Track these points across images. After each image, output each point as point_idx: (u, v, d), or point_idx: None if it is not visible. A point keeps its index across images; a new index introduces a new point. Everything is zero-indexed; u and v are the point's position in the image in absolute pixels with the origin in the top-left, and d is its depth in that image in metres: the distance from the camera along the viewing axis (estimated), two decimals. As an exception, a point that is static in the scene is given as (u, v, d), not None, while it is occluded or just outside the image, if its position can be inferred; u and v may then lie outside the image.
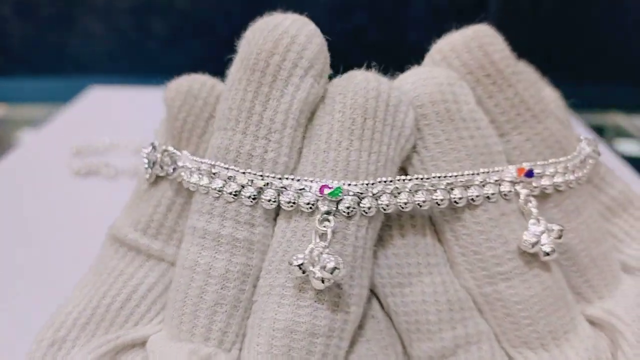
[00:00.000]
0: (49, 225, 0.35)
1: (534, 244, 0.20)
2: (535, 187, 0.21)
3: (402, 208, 0.19)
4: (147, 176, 0.23)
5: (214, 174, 0.20)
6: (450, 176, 0.20)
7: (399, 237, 0.20)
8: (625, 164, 0.41)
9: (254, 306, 0.20)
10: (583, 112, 0.51)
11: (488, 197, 0.20)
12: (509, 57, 0.21)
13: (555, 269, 0.21)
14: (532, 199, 0.20)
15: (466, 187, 0.20)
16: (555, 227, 0.20)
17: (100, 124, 0.51)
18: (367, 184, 0.19)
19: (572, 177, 0.22)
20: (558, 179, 0.21)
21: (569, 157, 0.22)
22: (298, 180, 0.19)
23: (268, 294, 0.19)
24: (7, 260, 0.31)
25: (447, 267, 0.21)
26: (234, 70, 0.21)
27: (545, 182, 0.21)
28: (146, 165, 0.22)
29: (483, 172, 0.20)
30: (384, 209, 0.19)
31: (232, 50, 0.21)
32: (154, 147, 0.22)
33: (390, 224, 0.20)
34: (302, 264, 0.18)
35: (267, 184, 0.19)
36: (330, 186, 0.19)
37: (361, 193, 0.19)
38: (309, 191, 0.19)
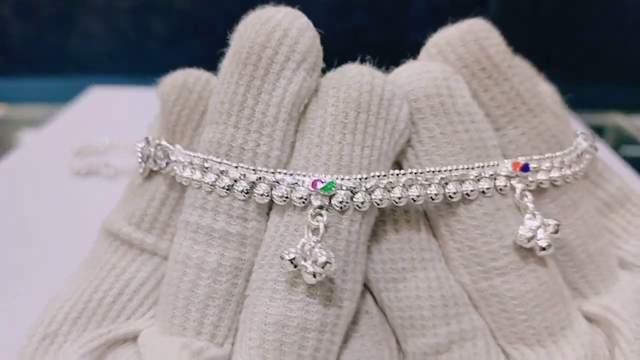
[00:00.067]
0: (49, 225, 0.35)
1: (529, 239, 0.19)
2: (531, 182, 0.21)
3: (396, 203, 0.19)
4: (141, 170, 0.22)
5: (206, 168, 0.20)
6: (445, 170, 0.19)
7: (393, 232, 0.20)
8: (626, 165, 0.41)
9: (246, 300, 0.20)
10: (583, 112, 0.51)
11: (483, 192, 0.20)
12: (504, 51, 0.21)
13: (552, 264, 0.21)
14: (528, 193, 0.20)
15: (461, 181, 0.20)
16: (552, 222, 0.20)
17: (100, 124, 0.51)
18: (360, 179, 0.19)
19: (568, 172, 0.21)
20: (554, 174, 0.21)
21: (565, 152, 0.22)
22: (291, 174, 0.19)
23: (260, 288, 0.19)
24: (7, 260, 0.31)
25: (441, 263, 0.20)
26: (226, 64, 0.21)
27: (541, 176, 0.21)
28: (140, 160, 0.22)
29: (478, 167, 0.20)
30: (378, 204, 0.19)
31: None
32: (147, 142, 0.22)
33: (384, 219, 0.20)
34: (293, 259, 0.18)
35: (260, 178, 0.19)
36: (322, 180, 0.19)
37: (354, 187, 0.19)
38: (302, 185, 0.19)
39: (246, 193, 0.19)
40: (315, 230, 0.19)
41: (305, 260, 0.18)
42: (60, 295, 0.21)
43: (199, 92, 0.22)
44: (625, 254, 0.23)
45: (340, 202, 0.19)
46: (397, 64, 0.22)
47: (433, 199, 0.19)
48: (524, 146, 0.21)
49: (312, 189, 0.19)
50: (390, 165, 0.20)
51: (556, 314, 0.20)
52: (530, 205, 0.20)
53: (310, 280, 0.18)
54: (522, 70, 0.22)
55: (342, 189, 0.19)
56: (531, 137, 0.21)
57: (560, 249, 0.21)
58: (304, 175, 0.19)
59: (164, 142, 0.22)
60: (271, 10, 0.20)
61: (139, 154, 0.22)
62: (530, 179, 0.21)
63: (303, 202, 0.19)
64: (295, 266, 0.18)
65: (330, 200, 0.19)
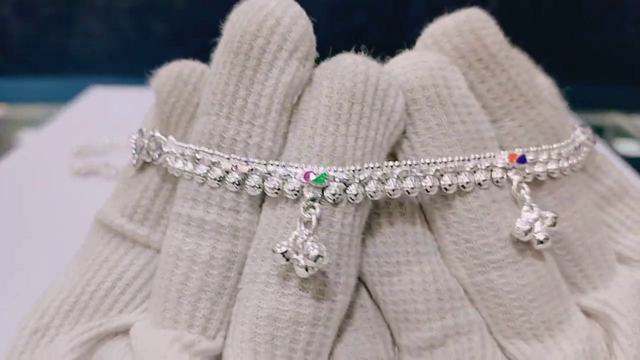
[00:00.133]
0: (49, 225, 0.35)
1: (527, 232, 0.19)
2: (528, 174, 0.20)
3: (390, 195, 0.19)
4: (134, 162, 0.22)
5: (198, 159, 0.19)
6: (440, 162, 0.19)
7: (388, 225, 0.20)
8: (626, 165, 0.41)
9: (238, 294, 0.20)
10: (583, 112, 0.51)
11: (479, 184, 0.19)
12: (501, 42, 0.21)
13: (549, 258, 0.20)
14: (525, 185, 0.20)
15: (456, 173, 0.19)
16: (549, 215, 0.20)
17: (100, 124, 0.51)
18: (353, 170, 0.19)
19: (566, 164, 0.21)
20: (551, 166, 0.21)
21: (562, 144, 0.21)
22: (283, 166, 0.19)
23: (252, 281, 0.19)
24: (7, 260, 0.31)
25: (437, 256, 0.20)
26: (218, 54, 0.20)
27: (538, 168, 0.20)
28: (133, 151, 0.22)
29: (474, 158, 0.19)
30: (371, 196, 0.19)
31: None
32: (141, 133, 0.22)
33: (379, 212, 0.20)
34: (285, 252, 0.18)
35: (252, 169, 0.19)
36: (315, 172, 0.18)
37: (347, 179, 0.19)
38: (294, 177, 0.19)
39: (238, 185, 0.19)
40: (307, 223, 0.18)
41: (297, 253, 0.18)
42: (52, 288, 0.21)
43: (194, 84, 0.21)
44: (623, 249, 0.23)
45: (333, 195, 0.18)
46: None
47: (428, 191, 0.19)
48: (521, 138, 0.21)
49: (305, 181, 0.18)
50: (385, 156, 0.20)
51: (553, 309, 0.20)
52: (528, 198, 0.20)
53: (303, 273, 0.18)
54: (520, 62, 0.21)
55: (335, 181, 0.18)
56: (528, 129, 0.21)
57: (557, 243, 0.21)
58: (296, 167, 0.19)
59: (157, 134, 0.21)
60: None
61: (133, 145, 0.22)
62: (527, 170, 0.20)
63: (295, 194, 0.19)
64: (287, 259, 0.18)
65: (323, 193, 0.18)
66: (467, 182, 0.19)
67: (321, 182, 0.18)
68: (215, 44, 0.21)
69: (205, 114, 0.20)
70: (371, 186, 0.19)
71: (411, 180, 0.19)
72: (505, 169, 0.20)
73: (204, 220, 0.19)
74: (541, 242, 0.19)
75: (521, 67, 0.21)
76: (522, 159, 0.20)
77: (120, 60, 0.64)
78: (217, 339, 0.20)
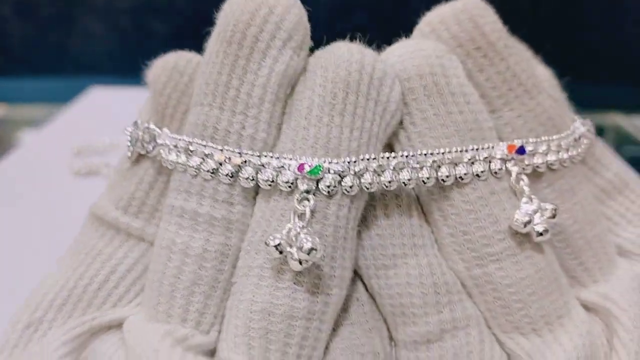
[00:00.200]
0: (49, 225, 0.35)
1: (526, 224, 0.19)
2: (527, 165, 0.20)
3: (386, 187, 0.19)
4: (129, 154, 0.22)
5: (191, 151, 0.19)
6: (437, 153, 0.19)
7: (383, 217, 0.20)
8: (626, 165, 0.41)
9: (232, 287, 0.19)
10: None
11: (477, 175, 0.19)
12: (500, 30, 0.20)
13: (549, 250, 0.20)
14: (524, 177, 0.20)
15: (454, 164, 0.19)
16: (549, 207, 0.19)
17: (100, 124, 0.51)
18: (349, 162, 0.18)
19: (565, 156, 0.21)
20: (551, 157, 0.20)
21: (562, 135, 0.21)
22: (277, 157, 0.19)
23: (246, 275, 0.19)
24: (7, 260, 0.31)
25: (434, 249, 0.20)
26: (211, 43, 0.20)
27: (537, 159, 0.20)
28: (128, 143, 0.22)
29: (472, 149, 0.19)
30: (367, 188, 0.18)
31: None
32: (136, 125, 0.22)
33: (374, 204, 0.20)
34: (278, 244, 0.17)
35: (245, 161, 0.19)
36: (309, 164, 0.18)
37: (342, 171, 0.18)
38: (288, 169, 0.18)
39: (231, 177, 0.19)
40: (301, 216, 0.18)
41: (290, 246, 0.18)
42: (45, 282, 0.21)
43: (189, 75, 0.21)
44: (623, 242, 0.23)
45: (328, 186, 0.18)
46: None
47: (425, 183, 0.19)
48: (520, 129, 0.21)
49: (299, 173, 0.18)
50: (381, 148, 0.20)
51: (553, 302, 0.19)
52: (527, 189, 0.19)
53: (296, 267, 0.17)
54: (519, 51, 0.21)
55: (329, 173, 0.18)
56: (528, 120, 0.21)
57: (557, 235, 0.21)
58: (290, 159, 0.18)
59: (151, 125, 0.21)
60: None
61: (128, 137, 0.22)
62: (526, 162, 0.20)
63: (289, 187, 0.18)
64: (281, 252, 0.17)
65: (317, 185, 0.18)
66: (465, 174, 0.19)
67: (316, 174, 0.18)
68: (209, 34, 0.20)
69: (198, 105, 0.20)
70: (367, 178, 0.18)
71: (408, 171, 0.19)
72: (504, 160, 0.19)
73: (197, 212, 0.19)
74: (540, 234, 0.19)
75: (520, 56, 0.21)
76: (521, 150, 0.20)
77: (120, 60, 0.64)
78: (211, 333, 0.19)
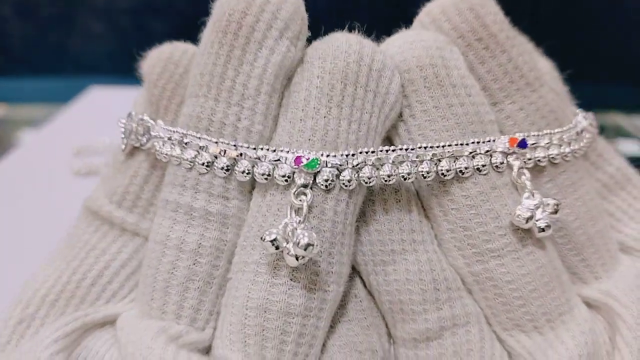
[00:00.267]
0: (49, 225, 0.34)
1: (528, 219, 0.18)
2: (528, 159, 0.20)
3: (385, 181, 0.18)
4: (123, 146, 0.22)
5: (185, 143, 0.19)
6: (437, 147, 0.18)
7: (382, 212, 0.19)
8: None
9: (228, 283, 0.19)
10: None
11: (478, 169, 0.19)
12: (502, 21, 0.20)
13: (550, 247, 0.20)
14: (525, 171, 0.19)
15: (455, 158, 0.18)
16: (551, 202, 0.19)
17: (100, 124, 0.51)
18: (347, 155, 0.18)
19: (567, 150, 0.20)
20: (553, 151, 0.20)
21: (564, 129, 0.21)
22: (273, 150, 0.18)
23: (242, 270, 0.18)
24: (6, 260, 0.31)
25: (433, 245, 0.20)
26: (206, 33, 0.20)
27: (539, 153, 0.20)
28: (123, 135, 0.22)
29: (473, 142, 0.19)
30: (366, 182, 0.18)
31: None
32: (130, 117, 0.21)
33: (373, 198, 0.19)
34: (274, 240, 0.17)
35: (241, 154, 0.18)
36: (306, 157, 0.18)
37: (340, 165, 0.18)
38: (285, 163, 0.18)
39: (227, 170, 0.18)
40: (298, 210, 0.18)
41: (287, 241, 0.17)
42: (37, 277, 0.21)
43: (185, 66, 0.21)
44: (625, 238, 0.22)
45: (326, 181, 0.18)
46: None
47: (425, 177, 0.18)
48: (522, 122, 0.20)
49: (295, 166, 0.18)
50: (380, 141, 0.19)
51: (554, 299, 0.19)
52: (529, 184, 0.19)
53: (293, 262, 0.17)
54: (521, 43, 0.21)
55: (327, 167, 0.18)
56: (529, 113, 0.20)
57: (558, 231, 0.20)
58: (287, 152, 0.18)
59: (145, 117, 0.21)
60: None
61: (122, 129, 0.22)
62: (528, 156, 0.20)
63: (286, 180, 0.18)
64: (277, 248, 0.17)
65: (314, 179, 0.18)
66: (466, 168, 0.19)
67: (313, 168, 0.18)
68: (204, 23, 0.20)
69: (193, 96, 0.19)
70: (365, 172, 0.18)
71: (407, 165, 0.18)
72: (505, 154, 0.19)
73: (192, 207, 0.19)
74: (542, 230, 0.19)
75: (522, 48, 0.20)
76: (522, 144, 0.19)
77: (120, 60, 0.63)
78: (206, 330, 0.19)
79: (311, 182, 0.18)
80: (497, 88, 0.20)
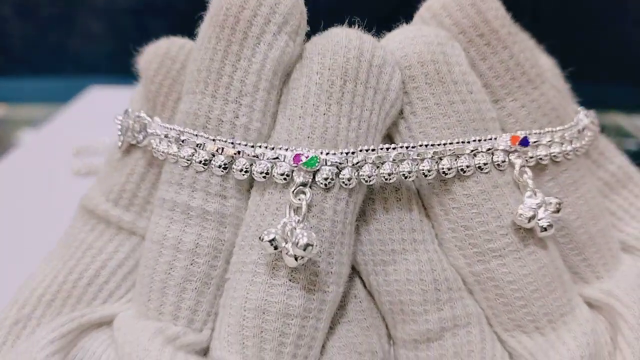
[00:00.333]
0: (49, 225, 0.34)
1: (530, 219, 0.18)
2: (530, 158, 0.19)
3: (386, 179, 0.18)
4: (119, 144, 0.21)
5: (182, 141, 0.18)
6: (438, 145, 0.18)
7: (383, 211, 0.19)
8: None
9: (226, 284, 0.19)
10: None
11: (480, 168, 0.18)
12: (504, 16, 0.20)
13: (552, 246, 0.19)
14: (527, 170, 0.19)
15: (456, 156, 0.18)
16: (553, 200, 0.19)
17: (100, 124, 0.51)
18: (347, 153, 0.18)
19: (569, 148, 0.20)
20: (555, 149, 0.20)
21: (566, 127, 0.20)
22: (272, 148, 0.18)
23: (240, 271, 0.18)
24: (6, 260, 0.31)
25: (434, 244, 0.19)
26: (203, 28, 0.19)
27: (541, 151, 0.20)
28: (119, 133, 0.21)
29: (474, 140, 0.18)
30: (366, 181, 0.18)
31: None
32: (127, 113, 0.21)
33: (373, 197, 0.19)
34: (273, 239, 0.17)
35: (239, 152, 0.18)
36: (305, 155, 0.17)
37: (340, 163, 0.17)
38: (283, 161, 0.18)
39: (224, 168, 0.18)
40: (297, 210, 0.17)
41: (286, 241, 0.17)
42: (33, 277, 0.20)
43: (182, 62, 0.20)
44: (627, 237, 0.22)
45: (325, 179, 0.17)
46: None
47: (426, 176, 0.18)
48: (524, 120, 0.20)
49: (294, 165, 0.17)
50: (381, 138, 0.19)
51: (556, 300, 0.19)
52: (530, 182, 0.19)
53: (292, 263, 0.17)
54: (522, 39, 0.20)
55: (327, 165, 0.17)
56: (531, 110, 0.20)
57: (560, 231, 0.20)
58: (286, 150, 0.18)
59: (142, 114, 0.20)
60: None
61: (119, 126, 0.21)
62: (529, 154, 0.19)
63: (285, 179, 0.18)
64: (276, 248, 0.17)
65: (314, 177, 0.17)
66: (467, 166, 0.18)
67: (312, 166, 0.17)
68: (202, 19, 0.20)
69: (190, 93, 0.19)
70: (365, 170, 0.18)
71: (408, 163, 0.18)
72: (507, 152, 0.19)
73: (189, 205, 0.18)
74: (545, 229, 0.18)
75: (524, 44, 0.20)
76: (524, 142, 0.19)
77: (119, 61, 0.63)
78: (204, 331, 0.19)
79: (310, 180, 0.18)
80: (498, 85, 0.20)
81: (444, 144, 0.18)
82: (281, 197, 0.18)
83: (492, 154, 0.19)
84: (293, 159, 0.17)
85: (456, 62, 0.19)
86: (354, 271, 0.20)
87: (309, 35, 0.20)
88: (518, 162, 0.19)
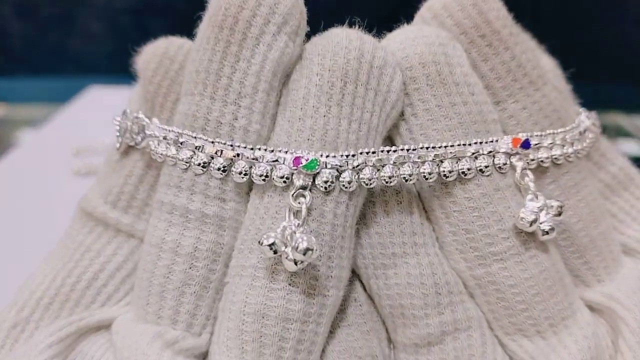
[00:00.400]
0: (48, 225, 0.34)
1: (532, 222, 0.18)
2: (531, 160, 0.19)
3: (387, 182, 0.18)
4: (118, 145, 0.21)
5: (181, 143, 0.18)
6: (439, 147, 0.18)
7: (383, 214, 0.19)
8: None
9: (225, 288, 0.18)
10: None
11: (481, 170, 0.18)
12: (505, 17, 0.19)
13: (553, 250, 0.19)
14: (528, 172, 0.19)
15: (457, 159, 0.18)
16: (555, 203, 0.19)
17: (99, 123, 0.51)
18: (347, 156, 0.17)
19: (570, 150, 0.20)
20: (556, 152, 0.20)
21: (567, 129, 0.20)
22: (271, 151, 0.18)
23: (239, 275, 0.18)
24: (6, 260, 0.31)
25: (435, 248, 0.19)
26: (202, 29, 0.19)
27: (542, 154, 0.19)
28: (117, 134, 0.21)
29: (475, 143, 0.18)
30: (366, 184, 0.18)
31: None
32: (125, 115, 0.21)
33: (374, 200, 0.19)
34: (272, 244, 0.16)
35: (238, 154, 0.18)
36: (305, 158, 0.17)
37: (340, 166, 0.17)
38: (283, 163, 0.17)
39: (223, 171, 0.18)
40: (297, 213, 0.17)
41: (285, 245, 0.17)
42: (33, 278, 0.20)
43: (180, 62, 0.20)
44: (628, 240, 0.22)
45: (325, 182, 0.17)
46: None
47: (427, 178, 0.18)
48: (525, 122, 0.20)
49: (294, 167, 0.17)
50: (381, 141, 0.19)
51: (557, 304, 0.19)
52: (532, 185, 0.19)
53: (291, 267, 0.17)
54: (524, 40, 0.20)
55: (327, 168, 0.17)
56: (532, 112, 0.20)
57: (561, 234, 0.20)
58: (285, 152, 0.17)
59: (140, 115, 0.20)
60: None
61: (117, 128, 0.21)
62: (531, 156, 0.19)
63: (284, 182, 0.17)
64: (275, 252, 0.17)
65: (314, 180, 0.17)
66: (469, 169, 0.18)
67: (312, 169, 0.17)
68: (201, 19, 0.19)
69: (189, 94, 0.19)
70: (366, 173, 0.18)
71: (409, 166, 0.18)
72: (508, 155, 0.19)
73: (187, 209, 0.18)
74: (546, 232, 0.18)
75: (525, 45, 0.20)
76: (526, 144, 0.19)
77: (119, 60, 0.63)
78: (203, 335, 0.19)
79: (310, 183, 0.17)
80: (500, 87, 0.20)
81: (445, 147, 0.18)
82: (281, 201, 0.18)
83: (494, 156, 0.19)
84: (293, 161, 0.17)
85: (458, 63, 0.19)
86: (354, 275, 0.20)
87: (308, 36, 0.19)
88: (519, 165, 0.19)
